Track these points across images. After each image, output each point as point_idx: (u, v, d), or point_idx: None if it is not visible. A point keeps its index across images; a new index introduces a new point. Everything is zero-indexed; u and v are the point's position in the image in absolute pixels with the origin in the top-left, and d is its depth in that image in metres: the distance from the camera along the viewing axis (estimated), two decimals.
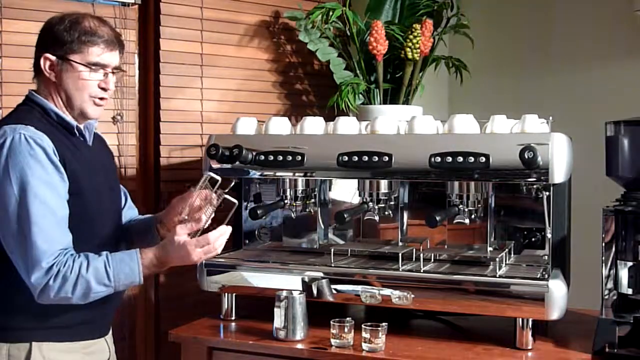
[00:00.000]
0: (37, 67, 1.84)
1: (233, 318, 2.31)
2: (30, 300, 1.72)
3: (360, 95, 2.75)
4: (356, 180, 2.31)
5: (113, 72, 1.86)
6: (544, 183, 1.99)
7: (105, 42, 1.82)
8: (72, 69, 1.80)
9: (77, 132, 1.85)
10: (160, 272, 1.90)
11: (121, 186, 2.08)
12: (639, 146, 2.05)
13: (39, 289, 1.70)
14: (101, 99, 1.85)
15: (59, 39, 1.80)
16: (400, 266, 2.15)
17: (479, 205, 2.18)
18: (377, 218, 2.29)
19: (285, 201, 2.37)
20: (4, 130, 1.72)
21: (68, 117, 1.83)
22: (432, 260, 2.22)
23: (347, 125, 2.28)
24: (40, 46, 1.83)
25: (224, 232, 1.84)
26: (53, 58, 1.80)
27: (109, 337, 1.97)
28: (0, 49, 2.40)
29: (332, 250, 2.26)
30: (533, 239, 2.21)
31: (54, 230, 1.72)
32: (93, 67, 1.81)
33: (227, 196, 1.89)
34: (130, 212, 2.14)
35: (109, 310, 1.94)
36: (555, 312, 1.95)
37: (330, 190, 2.44)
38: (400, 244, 2.34)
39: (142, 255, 1.79)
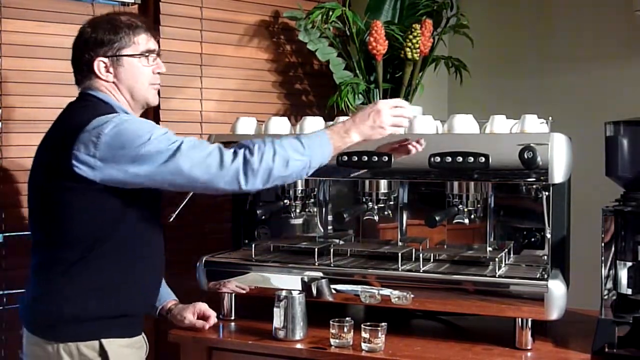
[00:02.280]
0: (84, 71, 1.86)
1: (233, 318, 2.31)
2: (103, 286, 1.77)
3: (360, 95, 2.74)
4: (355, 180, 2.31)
5: (159, 55, 1.94)
6: (544, 183, 1.99)
7: (146, 29, 1.91)
8: (128, 63, 1.87)
9: None
10: (346, 144, 1.87)
11: None
12: (639, 146, 2.05)
13: (241, 168, 1.72)
14: (158, 84, 1.94)
15: (106, 40, 1.84)
16: (399, 266, 2.15)
17: (479, 206, 2.18)
18: (376, 218, 2.29)
19: (285, 201, 2.37)
20: (104, 117, 1.74)
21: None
22: (432, 260, 2.22)
23: None
24: (86, 52, 1.85)
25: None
26: (106, 60, 1.84)
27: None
28: (0, 48, 2.40)
29: (332, 250, 2.26)
30: (532, 239, 2.20)
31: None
32: (145, 55, 1.89)
33: None
34: None
35: (155, 301, 2.05)
36: (554, 312, 1.95)
37: (330, 190, 2.44)
38: (399, 244, 2.34)
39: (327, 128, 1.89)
